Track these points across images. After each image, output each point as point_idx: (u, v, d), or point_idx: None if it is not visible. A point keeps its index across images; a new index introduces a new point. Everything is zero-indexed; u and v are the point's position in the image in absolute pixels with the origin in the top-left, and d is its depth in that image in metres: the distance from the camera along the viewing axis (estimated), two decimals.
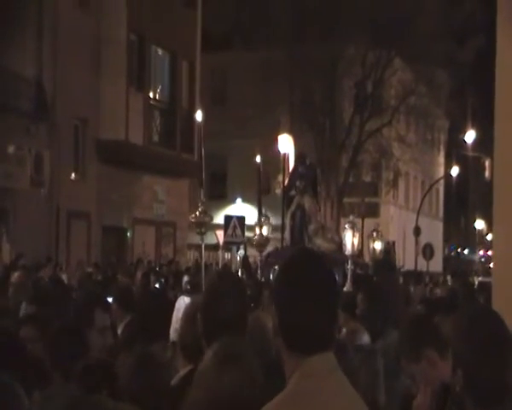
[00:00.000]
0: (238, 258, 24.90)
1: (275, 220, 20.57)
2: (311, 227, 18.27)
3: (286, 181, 21.84)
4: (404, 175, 46.38)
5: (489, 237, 60.25)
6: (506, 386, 2.91)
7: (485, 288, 13.03)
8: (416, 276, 25.10)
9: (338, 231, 24.96)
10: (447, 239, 62.21)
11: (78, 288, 13.47)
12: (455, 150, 52.55)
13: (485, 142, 37.30)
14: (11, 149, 21.50)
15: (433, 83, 38.34)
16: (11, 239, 21.46)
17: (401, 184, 46.35)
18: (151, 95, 28.45)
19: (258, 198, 28.62)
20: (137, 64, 27.31)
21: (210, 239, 26.09)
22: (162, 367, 3.97)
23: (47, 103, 23.23)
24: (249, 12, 34.62)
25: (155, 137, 28.73)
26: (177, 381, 3.84)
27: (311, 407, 2.44)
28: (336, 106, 36.91)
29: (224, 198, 39.88)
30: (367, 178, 42.38)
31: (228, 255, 29.30)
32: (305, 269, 2.54)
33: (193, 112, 29.29)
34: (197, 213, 10.80)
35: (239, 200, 39.22)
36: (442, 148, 55.77)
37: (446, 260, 56.76)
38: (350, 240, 14.95)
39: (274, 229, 19.56)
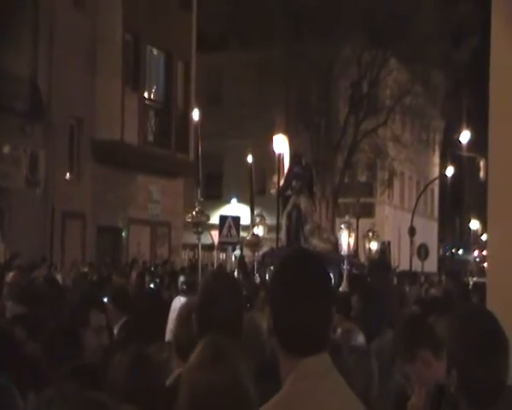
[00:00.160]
0: (233, 258, 24.93)
1: (270, 221, 20.58)
2: (307, 227, 18.28)
3: (281, 181, 21.85)
4: (400, 175, 46.42)
5: (484, 237, 60.32)
6: (500, 386, 2.92)
7: (480, 288, 13.04)
8: (410, 276, 25.13)
9: (333, 232, 25.01)
10: (442, 239, 62.26)
11: (72, 288, 13.46)
12: (450, 150, 52.62)
13: (480, 142, 37.33)
14: (6, 149, 21.48)
15: (429, 83, 38.41)
16: (6, 239, 21.43)
17: (396, 184, 46.38)
18: (146, 95, 28.44)
19: (251, 198, 28.64)
20: (133, 64, 27.29)
21: (205, 239, 26.11)
22: (157, 367, 3.97)
23: (42, 103, 23.20)
24: (245, 12, 34.60)
25: (150, 137, 28.71)
26: (171, 381, 3.84)
27: (306, 409, 2.44)
28: (332, 106, 36.93)
29: (219, 198, 39.87)
30: (362, 179, 42.41)
31: (223, 256, 29.29)
32: (299, 270, 2.53)
33: (188, 112, 29.32)
34: (194, 212, 10.77)
35: (234, 200, 39.21)
36: (437, 148, 55.81)
37: (441, 260, 56.81)
38: (346, 240, 14.99)
39: (269, 229, 19.57)
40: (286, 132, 30.03)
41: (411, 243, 37.49)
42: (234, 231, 19.43)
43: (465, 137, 42.92)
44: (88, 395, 2.19)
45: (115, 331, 6.73)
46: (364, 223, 29.84)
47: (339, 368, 2.57)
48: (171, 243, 30.83)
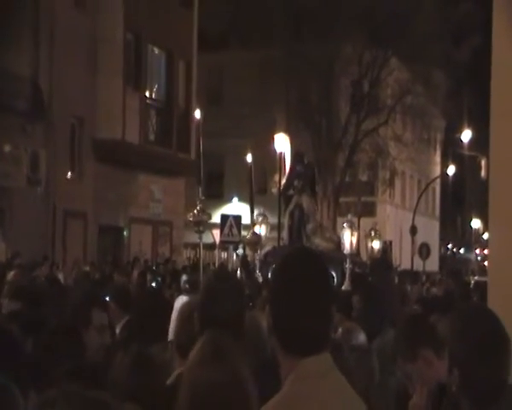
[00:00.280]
0: (234, 257, 24.88)
1: (271, 220, 20.59)
2: (310, 226, 18.25)
3: (282, 180, 21.84)
4: (401, 174, 46.40)
5: (485, 235, 60.29)
6: (502, 385, 2.92)
7: (481, 287, 13.04)
8: (412, 275, 25.10)
9: (334, 231, 25.00)
10: (443, 238, 62.24)
11: (74, 287, 13.46)
12: (451, 149, 52.57)
13: (482, 141, 37.29)
14: (7, 148, 21.48)
15: (430, 82, 38.38)
16: (7, 238, 21.43)
17: (397, 183, 46.37)
18: (147, 94, 28.43)
19: (250, 197, 28.63)
20: (134, 63, 27.29)
21: (206, 238, 26.11)
22: (158, 367, 3.97)
23: (43, 102, 23.20)
24: (245, 11, 34.60)
25: (152, 137, 28.72)
26: (172, 380, 3.84)
27: (307, 409, 2.43)
28: (333, 105, 36.91)
29: (220, 197, 39.89)
30: (363, 178, 42.40)
31: (224, 255, 29.29)
32: (299, 269, 2.52)
33: (189, 111, 29.34)
34: (195, 211, 10.76)
35: (235, 199, 39.22)
36: (438, 147, 55.82)
37: (443, 259, 56.78)
38: (348, 239, 14.98)
39: (272, 228, 19.56)
40: (287, 131, 30.05)
41: (413, 242, 37.50)
42: (235, 230, 19.41)
43: (466, 135, 42.91)
44: (90, 394, 2.19)
45: (117, 331, 6.74)
46: (366, 222, 29.83)
47: (340, 367, 2.56)
48: (172, 242, 30.84)
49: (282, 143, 27.34)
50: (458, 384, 2.93)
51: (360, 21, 33.45)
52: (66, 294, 10.07)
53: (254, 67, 35.71)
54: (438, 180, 53.97)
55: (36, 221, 22.49)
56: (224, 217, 20.51)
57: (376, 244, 21.17)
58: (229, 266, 23.39)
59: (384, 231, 35.67)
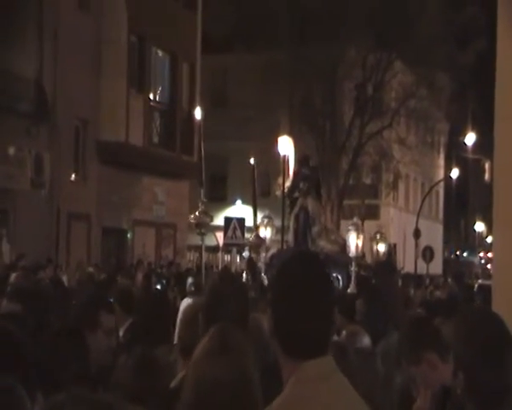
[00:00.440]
0: (238, 259, 24.89)
1: (275, 222, 20.57)
2: (315, 229, 18.21)
3: (286, 183, 21.83)
4: (404, 177, 46.37)
5: (489, 239, 60.24)
6: (506, 388, 2.91)
7: (485, 290, 13.03)
8: (415, 279, 25.09)
9: (338, 234, 24.95)
10: (447, 241, 62.20)
11: (77, 289, 13.47)
12: (455, 153, 52.55)
13: (485, 144, 37.29)
14: (11, 150, 21.50)
15: (434, 86, 38.33)
16: (11, 240, 21.45)
17: (401, 186, 46.34)
18: (151, 96, 28.46)
19: (253, 200, 28.52)
20: (138, 65, 27.32)
21: (210, 241, 26.15)
22: (162, 369, 3.98)
23: (47, 105, 23.23)
24: (249, 14, 34.60)
25: (155, 139, 28.74)
26: (176, 383, 3.85)
27: None
28: (337, 108, 36.90)
29: (223, 200, 39.88)
30: (367, 181, 42.36)
31: (228, 257, 29.28)
32: (300, 272, 2.51)
33: (193, 114, 29.32)
34: (197, 213, 10.73)
35: (239, 201, 39.21)
36: (442, 150, 55.78)
37: (446, 262, 56.73)
38: (354, 242, 14.94)
39: (277, 231, 19.53)
40: (290, 134, 30.03)
41: (416, 245, 37.47)
42: (239, 233, 19.41)
43: (470, 139, 42.90)
44: (97, 397, 2.19)
45: (120, 333, 6.74)
46: (369, 225, 29.79)
47: (345, 370, 2.56)
48: (176, 245, 30.85)
49: (285, 146, 27.34)
50: (463, 388, 2.93)
51: (364, 25, 33.44)
52: (70, 296, 10.08)
53: (258, 70, 35.68)
54: (441, 183, 53.95)
55: (40, 223, 22.51)
56: (228, 219, 20.51)
57: (382, 247, 21.17)
58: (233, 269, 23.39)
59: (388, 234, 35.64)
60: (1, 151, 20.95)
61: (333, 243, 18.28)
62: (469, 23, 34.43)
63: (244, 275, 16.03)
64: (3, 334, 3.73)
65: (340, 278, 16.14)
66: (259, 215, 18.07)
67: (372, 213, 39.38)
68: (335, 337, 5.65)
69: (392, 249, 32.03)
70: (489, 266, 49.79)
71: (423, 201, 42.17)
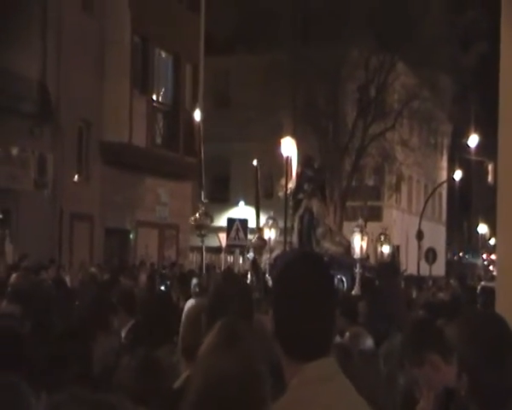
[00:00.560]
0: (241, 260, 24.89)
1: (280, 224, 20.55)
2: (319, 230, 18.19)
3: (289, 184, 21.80)
4: (407, 179, 46.32)
5: (492, 241, 60.19)
6: (510, 390, 2.91)
7: (488, 292, 13.01)
8: (418, 280, 25.08)
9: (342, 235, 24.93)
10: (450, 243, 62.14)
11: (80, 289, 13.48)
12: (458, 154, 52.52)
13: (488, 146, 37.24)
14: (15, 150, 21.51)
15: (437, 87, 38.30)
16: (14, 240, 21.48)
17: (404, 187, 46.31)
18: (154, 97, 28.47)
19: (256, 202, 28.49)
20: (141, 67, 27.34)
21: (212, 242, 26.14)
22: (164, 370, 3.98)
23: (51, 105, 23.25)
24: (252, 15, 34.60)
25: (158, 140, 28.75)
26: (179, 384, 3.85)
27: None
28: (339, 110, 36.88)
29: (226, 201, 39.88)
30: (370, 182, 42.35)
31: (230, 258, 29.29)
32: (301, 274, 2.51)
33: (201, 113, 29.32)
34: (197, 215, 10.69)
35: (242, 203, 39.20)
36: (445, 152, 55.73)
37: (449, 264, 56.69)
38: (358, 243, 14.91)
39: (281, 232, 19.50)
40: (293, 136, 29.98)
41: (419, 246, 37.46)
42: (242, 234, 19.43)
43: (473, 141, 42.85)
44: (97, 397, 2.19)
45: (122, 334, 6.74)
46: (372, 227, 29.74)
47: (348, 372, 2.56)
48: (178, 246, 30.86)
49: (288, 148, 27.28)
50: (467, 389, 2.92)
51: (367, 26, 33.44)
52: (73, 296, 10.09)
53: (261, 71, 35.65)
54: (444, 185, 53.88)
55: (43, 224, 22.53)
56: (231, 221, 20.54)
57: (386, 249, 21.13)
58: (236, 270, 23.38)
59: (390, 235, 35.62)
60: (4, 152, 20.97)
61: (337, 245, 18.26)
62: (472, 25, 34.39)
63: (249, 276, 16.00)
64: (8, 334, 3.74)
65: (344, 279, 16.13)
66: (262, 217, 18.03)
67: (375, 214, 39.34)
68: (339, 339, 5.65)
69: (395, 251, 31.99)
70: (492, 267, 49.78)
71: (426, 202, 42.15)
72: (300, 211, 18.40)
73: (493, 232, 49.22)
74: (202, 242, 10.95)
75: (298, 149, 27.91)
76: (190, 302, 9.60)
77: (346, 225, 32.30)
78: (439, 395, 3.63)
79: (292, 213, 19.52)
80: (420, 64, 35.35)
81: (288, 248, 19.42)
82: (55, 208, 23.41)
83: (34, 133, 22.33)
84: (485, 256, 65.31)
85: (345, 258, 16.68)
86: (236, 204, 39.55)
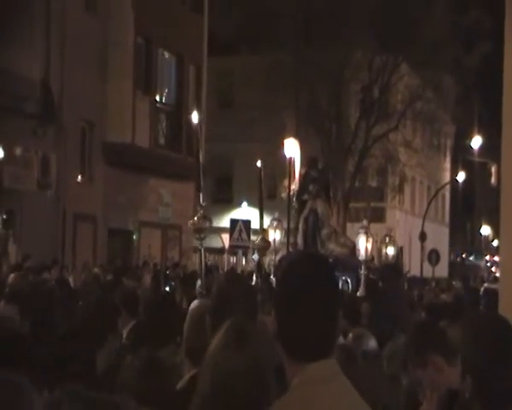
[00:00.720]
0: (244, 261, 24.87)
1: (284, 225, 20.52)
2: (324, 232, 18.14)
3: (292, 185, 21.79)
4: (410, 180, 46.30)
5: (495, 242, 60.15)
6: None
7: (490, 293, 12.99)
8: (421, 282, 25.05)
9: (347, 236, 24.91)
10: (453, 244, 62.10)
11: (83, 290, 13.48)
12: (461, 156, 52.49)
13: (492, 148, 37.26)
14: (18, 151, 21.54)
15: (440, 88, 38.28)
16: (18, 241, 21.49)
17: (407, 189, 46.28)
18: (157, 98, 28.48)
19: (260, 203, 28.46)
20: (144, 67, 27.35)
21: (215, 243, 26.17)
22: (167, 371, 3.98)
23: (54, 106, 23.27)
24: (255, 16, 34.60)
25: (161, 141, 28.76)
26: (183, 384, 3.84)
27: None
28: (343, 110, 36.87)
29: (229, 202, 39.89)
30: (373, 183, 42.33)
31: (233, 259, 29.28)
32: (303, 275, 2.51)
33: (199, 115, 29.31)
34: (196, 218, 10.60)
35: (245, 204, 39.19)
36: (448, 153, 55.69)
37: (452, 265, 56.65)
38: (363, 245, 14.87)
39: (286, 233, 19.47)
40: (296, 137, 30.00)
41: (422, 248, 37.41)
42: (244, 235, 19.42)
43: (476, 142, 42.83)
44: (95, 395, 2.20)
45: (124, 335, 6.74)
46: (375, 228, 29.70)
47: (351, 373, 2.55)
48: (181, 246, 30.86)
49: (291, 149, 27.29)
50: (471, 391, 2.92)
51: (370, 27, 33.43)
52: (76, 297, 10.10)
53: (264, 72, 35.66)
54: (447, 186, 53.87)
55: (46, 224, 22.54)
56: (234, 221, 20.53)
57: (391, 250, 21.09)
58: (239, 271, 23.37)
59: (394, 236, 35.62)
60: (7, 152, 20.99)
61: (342, 246, 18.21)
62: (475, 25, 34.37)
63: (254, 277, 15.98)
64: (10, 334, 3.74)
65: (349, 281, 16.11)
66: (266, 218, 18.01)
67: (378, 215, 39.33)
68: (342, 340, 5.65)
69: (398, 252, 31.97)
70: (495, 269, 49.76)
71: (429, 204, 42.11)
72: (305, 212, 18.35)
73: (496, 234, 49.22)
74: (201, 245, 10.88)
75: (301, 149, 27.92)
76: (195, 303, 9.61)
77: (349, 226, 32.28)
78: (443, 397, 3.63)
79: (296, 215, 19.48)
80: (423, 65, 35.33)
81: (291, 250, 19.41)
82: (58, 209, 23.43)
83: (37, 133, 22.35)
84: (488, 258, 65.26)
85: (350, 259, 16.65)
86: (239, 205, 39.54)
